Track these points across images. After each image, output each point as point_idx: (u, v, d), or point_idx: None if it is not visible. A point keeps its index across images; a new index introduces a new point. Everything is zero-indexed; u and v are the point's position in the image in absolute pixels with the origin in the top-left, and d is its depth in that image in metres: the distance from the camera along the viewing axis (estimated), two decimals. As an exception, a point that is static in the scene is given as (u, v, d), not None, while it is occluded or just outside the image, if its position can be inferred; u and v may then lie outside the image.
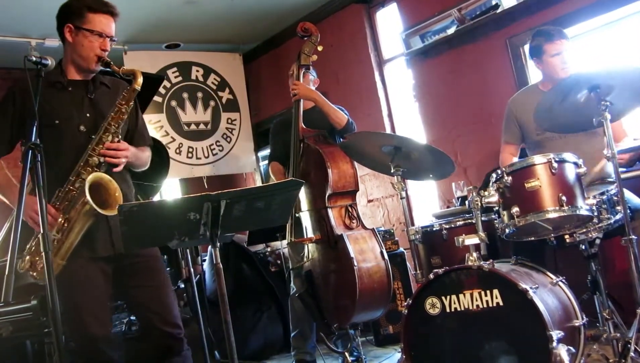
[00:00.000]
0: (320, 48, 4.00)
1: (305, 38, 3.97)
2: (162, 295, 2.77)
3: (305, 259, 3.70)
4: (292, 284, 4.07)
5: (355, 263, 3.45)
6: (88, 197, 2.47)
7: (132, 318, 3.52)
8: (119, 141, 2.67)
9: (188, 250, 4.26)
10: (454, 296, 2.66)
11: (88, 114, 2.71)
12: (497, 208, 2.93)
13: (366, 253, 3.57)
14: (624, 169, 3.73)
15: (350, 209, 3.80)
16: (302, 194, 3.80)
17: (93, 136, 2.64)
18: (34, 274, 2.56)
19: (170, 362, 2.73)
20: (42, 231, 2.17)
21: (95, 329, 2.58)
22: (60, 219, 2.53)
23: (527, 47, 4.62)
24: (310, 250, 3.72)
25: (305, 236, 3.73)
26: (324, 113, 3.93)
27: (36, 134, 2.28)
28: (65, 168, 2.61)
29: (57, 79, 2.69)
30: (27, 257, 2.56)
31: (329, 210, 3.69)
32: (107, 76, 2.88)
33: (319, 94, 3.95)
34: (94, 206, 2.48)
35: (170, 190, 6.73)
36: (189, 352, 2.82)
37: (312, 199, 3.76)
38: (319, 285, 3.64)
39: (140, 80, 2.67)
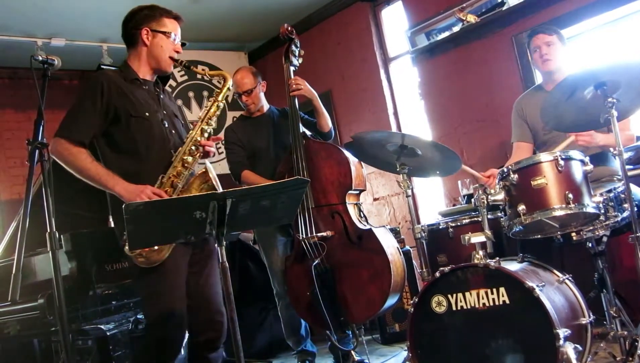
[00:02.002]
0: (302, 52, 4.07)
1: (289, 40, 4.02)
2: (217, 284, 2.90)
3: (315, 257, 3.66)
4: (275, 292, 4.00)
5: (390, 256, 3.49)
6: (211, 174, 2.72)
7: (140, 316, 3.52)
8: (211, 133, 2.90)
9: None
10: (460, 295, 2.66)
11: (165, 111, 2.89)
12: (503, 205, 2.93)
13: (392, 247, 3.62)
14: (631, 167, 3.72)
15: (360, 208, 3.83)
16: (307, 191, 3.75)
17: (172, 131, 2.86)
18: (141, 259, 2.61)
19: (207, 357, 2.80)
20: (49, 230, 2.18)
21: (180, 309, 2.69)
22: None
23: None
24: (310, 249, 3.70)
25: (307, 234, 3.70)
26: (317, 113, 3.98)
27: (42, 133, 2.29)
28: (155, 158, 2.75)
29: (134, 76, 2.85)
30: None
31: (348, 207, 3.70)
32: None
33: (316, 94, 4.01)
34: (217, 185, 2.70)
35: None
36: (222, 349, 2.90)
37: (323, 195, 3.75)
38: (337, 282, 3.60)
39: (230, 80, 2.97)
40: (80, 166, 2.62)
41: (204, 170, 2.74)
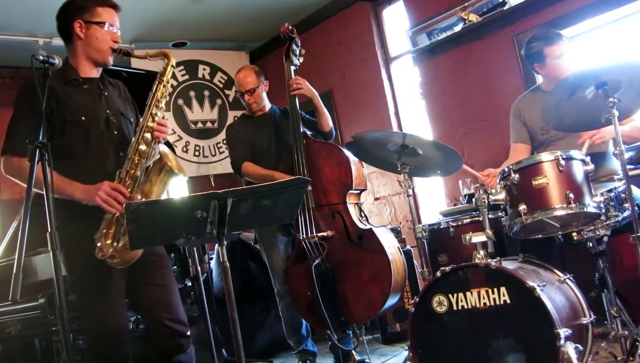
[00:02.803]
0: (303, 51, 4.06)
1: (290, 40, 4.01)
2: (171, 293, 2.81)
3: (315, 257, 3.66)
4: (276, 292, 4.00)
5: (390, 256, 3.51)
6: (170, 158, 2.63)
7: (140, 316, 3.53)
8: (163, 117, 2.76)
9: (195, 248, 4.26)
10: (461, 294, 2.66)
11: (108, 111, 2.76)
12: (504, 205, 2.92)
13: (392, 247, 3.63)
14: (632, 166, 3.72)
15: (361, 208, 3.83)
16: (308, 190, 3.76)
17: (115, 131, 2.74)
18: (114, 261, 2.55)
19: (176, 360, 2.74)
20: (49, 230, 2.18)
21: (115, 324, 2.63)
22: (133, 198, 2.57)
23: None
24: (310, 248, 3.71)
25: (308, 234, 3.70)
26: (318, 112, 3.98)
27: (43, 133, 2.28)
28: (93, 164, 2.65)
29: (72, 76, 2.72)
30: (101, 242, 2.54)
31: (349, 206, 3.71)
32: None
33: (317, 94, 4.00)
34: (175, 165, 2.62)
35: (177, 188, 6.73)
36: (193, 349, 2.84)
37: (323, 195, 3.76)
38: (337, 282, 3.61)
39: (173, 59, 2.79)
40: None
41: (158, 156, 2.64)
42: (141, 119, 2.72)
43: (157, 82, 2.76)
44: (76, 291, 2.65)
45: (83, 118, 2.65)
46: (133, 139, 2.67)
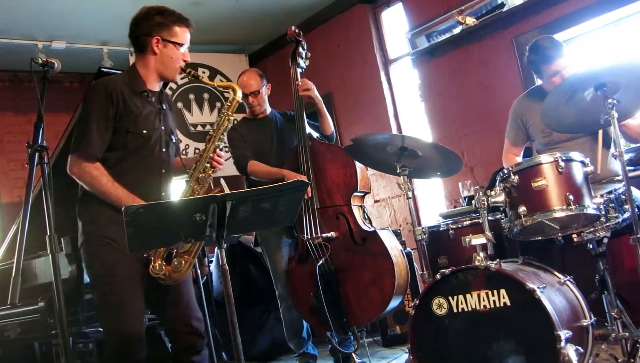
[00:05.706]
0: (309, 54, 4.05)
1: (297, 43, 4.01)
2: (187, 291, 2.84)
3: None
4: (278, 294, 3.98)
5: (394, 259, 3.51)
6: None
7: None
8: (221, 149, 2.88)
9: (195, 251, 4.26)
10: (461, 297, 2.65)
11: (163, 128, 2.82)
12: (503, 207, 2.92)
13: (395, 249, 3.64)
14: (632, 168, 3.71)
15: (364, 210, 3.84)
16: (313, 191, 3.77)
17: (163, 149, 2.81)
18: (164, 279, 2.62)
19: (190, 360, 2.76)
20: (49, 233, 2.18)
21: (135, 326, 2.63)
22: None
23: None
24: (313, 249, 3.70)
25: (312, 235, 3.69)
26: (321, 116, 3.97)
27: (42, 136, 2.29)
28: (139, 176, 2.71)
29: (142, 88, 2.76)
30: (154, 260, 2.60)
31: (353, 208, 3.72)
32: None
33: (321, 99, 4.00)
34: None
35: (176, 191, 6.72)
36: (206, 351, 2.86)
37: (328, 196, 3.76)
38: (340, 283, 3.61)
39: (239, 93, 2.92)
40: (101, 190, 2.57)
41: (220, 189, 2.68)
42: (205, 149, 2.81)
43: (223, 116, 2.85)
44: (96, 289, 2.65)
45: (144, 132, 2.71)
46: (195, 166, 2.78)
